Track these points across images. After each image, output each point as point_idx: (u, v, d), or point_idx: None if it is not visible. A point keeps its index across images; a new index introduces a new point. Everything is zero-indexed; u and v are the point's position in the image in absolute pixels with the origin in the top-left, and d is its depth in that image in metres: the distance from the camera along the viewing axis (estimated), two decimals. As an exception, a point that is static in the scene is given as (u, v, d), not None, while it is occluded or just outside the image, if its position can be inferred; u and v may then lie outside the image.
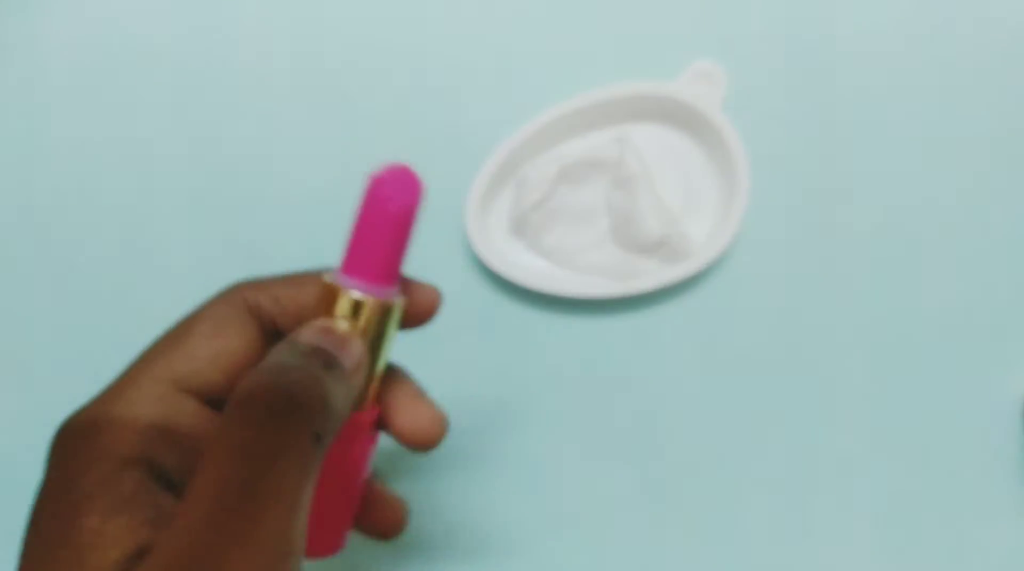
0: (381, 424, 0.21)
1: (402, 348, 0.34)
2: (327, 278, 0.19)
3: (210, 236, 0.36)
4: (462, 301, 0.35)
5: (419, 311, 0.21)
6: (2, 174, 0.36)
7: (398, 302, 0.20)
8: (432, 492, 0.35)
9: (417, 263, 0.34)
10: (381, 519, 0.23)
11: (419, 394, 0.22)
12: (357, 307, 0.19)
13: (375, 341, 0.19)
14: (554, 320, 0.35)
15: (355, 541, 0.23)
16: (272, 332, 0.20)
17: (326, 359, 0.18)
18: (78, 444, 0.17)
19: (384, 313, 0.19)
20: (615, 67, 0.34)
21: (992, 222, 0.35)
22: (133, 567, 0.15)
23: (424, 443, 0.21)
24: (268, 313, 0.20)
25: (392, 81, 0.35)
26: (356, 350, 0.19)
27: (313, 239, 0.35)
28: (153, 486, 0.17)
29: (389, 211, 0.19)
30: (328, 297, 0.19)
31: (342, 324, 0.19)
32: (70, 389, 0.35)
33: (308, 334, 0.18)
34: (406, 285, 0.21)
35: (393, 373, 0.22)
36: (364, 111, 0.36)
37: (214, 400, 0.19)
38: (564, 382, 0.35)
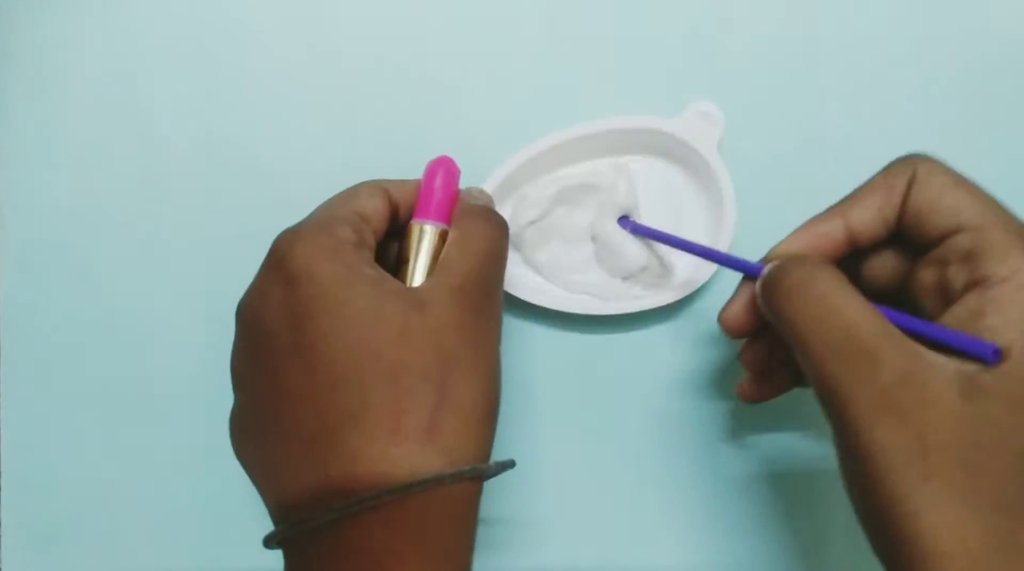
0: None
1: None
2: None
3: (224, 233, 0.37)
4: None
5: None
6: (21, 173, 0.37)
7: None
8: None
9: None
10: None
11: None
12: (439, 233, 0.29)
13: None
14: (542, 331, 0.37)
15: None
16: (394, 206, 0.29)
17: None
18: (322, 236, 0.25)
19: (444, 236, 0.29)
20: (616, 99, 0.36)
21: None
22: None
23: None
24: (391, 195, 0.29)
25: (402, 99, 0.37)
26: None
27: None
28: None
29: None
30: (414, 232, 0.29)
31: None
32: (84, 383, 0.37)
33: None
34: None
35: None
36: (374, 128, 0.37)
37: None
38: (545, 389, 0.37)
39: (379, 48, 0.37)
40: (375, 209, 0.28)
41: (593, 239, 0.36)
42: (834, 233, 0.26)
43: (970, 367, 0.21)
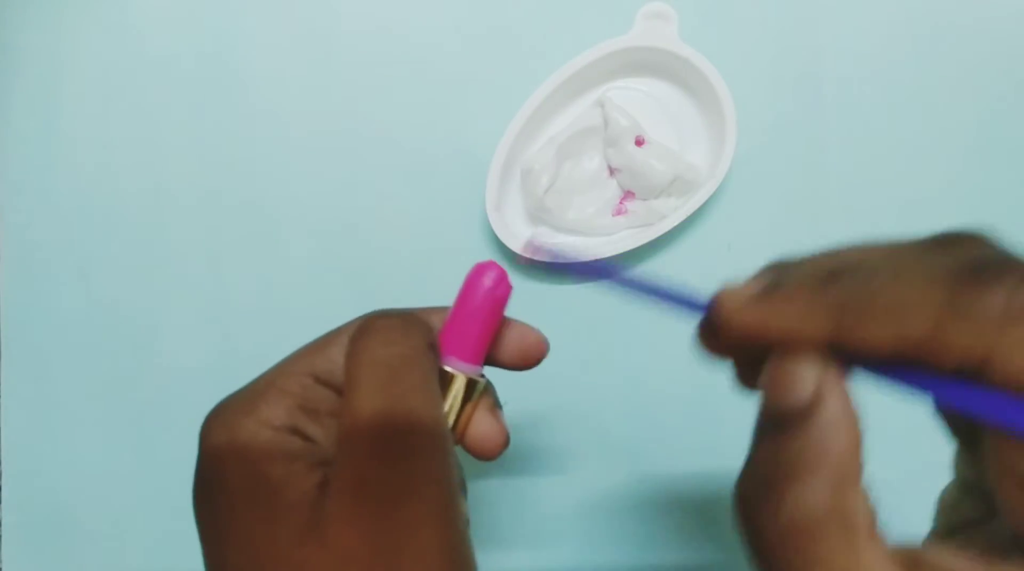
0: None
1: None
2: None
3: (223, 233, 0.37)
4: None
5: (521, 355, 0.24)
6: (21, 173, 0.37)
7: (482, 381, 0.23)
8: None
9: (456, 273, 0.36)
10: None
11: (492, 409, 0.24)
12: (452, 379, 0.22)
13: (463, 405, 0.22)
14: (595, 286, 0.37)
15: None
16: None
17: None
18: (240, 415, 0.21)
19: (471, 386, 0.22)
20: (574, 39, 0.36)
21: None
22: (322, 493, 0.19)
23: (485, 454, 0.23)
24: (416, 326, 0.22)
25: (392, 97, 0.37)
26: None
27: (317, 241, 0.37)
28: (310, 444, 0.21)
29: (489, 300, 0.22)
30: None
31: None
32: (84, 381, 0.37)
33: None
34: (509, 325, 0.24)
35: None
36: (373, 130, 0.37)
37: None
38: (616, 338, 0.37)
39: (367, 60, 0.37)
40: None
41: (614, 173, 0.36)
42: (813, 337, 0.16)
43: None
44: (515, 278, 0.37)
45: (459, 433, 0.23)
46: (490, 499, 0.37)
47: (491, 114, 0.35)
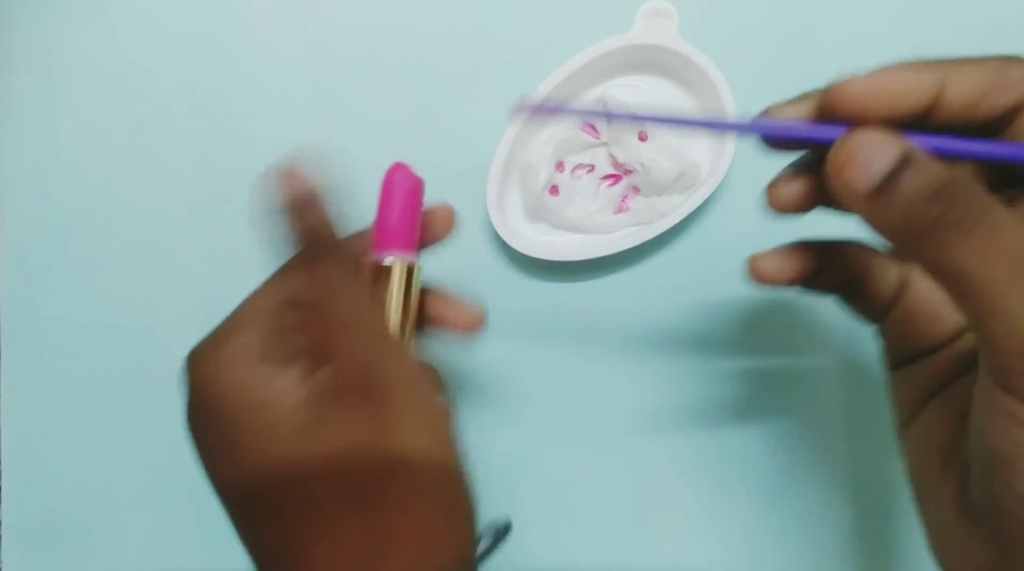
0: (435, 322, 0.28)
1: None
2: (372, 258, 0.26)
3: (224, 232, 0.37)
4: (504, 295, 0.37)
5: (441, 227, 0.28)
6: (21, 173, 0.37)
7: (420, 265, 0.26)
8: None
9: (458, 270, 0.36)
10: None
11: (456, 298, 0.28)
12: (391, 269, 0.25)
13: (407, 290, 0.26)
14: (595, 284, 0.37)
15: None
16: None
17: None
18: (221, 347, 0.24)
19: (410, 271, 0.26)
20: (574, 37, 0.36)
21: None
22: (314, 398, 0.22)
23: (463, 327, 0.27)
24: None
25: (391, 92, 0.37)
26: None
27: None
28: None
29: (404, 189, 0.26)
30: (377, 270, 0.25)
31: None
32: (84, 382, 0.37)
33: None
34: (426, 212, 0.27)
35: (433, 291, 0.28)
36: (374, 120, 0.37)
37: None
38: (619, 335, 0.37)
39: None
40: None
41: (620, 169, 0.35)
42: (920, 91, 0.20)
43: None
44: (517, 280, 0.37)
45: (412, 315, 0.25)
46: (487, 496, 0.37)
47: (492, 113, 0.35)
